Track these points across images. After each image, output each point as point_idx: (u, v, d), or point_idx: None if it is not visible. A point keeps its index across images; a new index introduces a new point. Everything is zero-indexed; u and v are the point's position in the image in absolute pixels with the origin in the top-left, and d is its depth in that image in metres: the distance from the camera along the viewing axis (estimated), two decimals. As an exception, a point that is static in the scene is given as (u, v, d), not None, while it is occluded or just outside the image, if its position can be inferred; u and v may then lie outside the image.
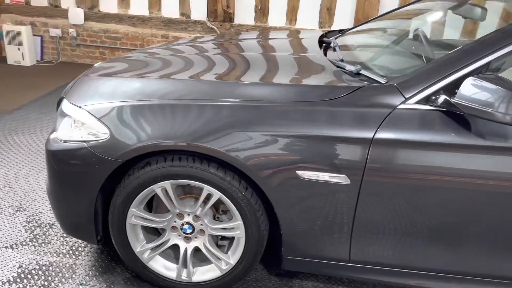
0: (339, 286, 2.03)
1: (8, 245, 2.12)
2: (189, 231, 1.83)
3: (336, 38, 2.46)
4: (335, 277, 2.05)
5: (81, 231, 1.88)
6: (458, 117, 1.54)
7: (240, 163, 1.60)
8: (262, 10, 5.26)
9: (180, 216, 1.81)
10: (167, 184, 1.70)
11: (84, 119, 1.74)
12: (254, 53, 2.21)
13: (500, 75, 1.51)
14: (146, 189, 1.71)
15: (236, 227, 1.75)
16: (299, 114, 1.61)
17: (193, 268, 1.89)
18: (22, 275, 1.94)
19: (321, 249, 1.76)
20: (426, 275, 1.76)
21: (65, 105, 1.83)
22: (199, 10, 5.30)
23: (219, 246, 1.91)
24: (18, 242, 2.14)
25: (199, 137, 1.60)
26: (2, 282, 1.90)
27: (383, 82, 1.65)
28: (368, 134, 1.56)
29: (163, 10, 5.36)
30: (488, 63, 1.54)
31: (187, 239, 1.86)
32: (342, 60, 1.95)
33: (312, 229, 1.71)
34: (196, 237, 1.85)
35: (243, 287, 1.97)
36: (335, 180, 1.60)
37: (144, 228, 1.88)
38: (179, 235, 1.85)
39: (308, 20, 5.16)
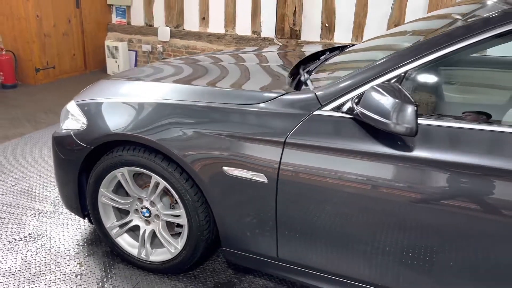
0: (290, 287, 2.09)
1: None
2: (147, 214, 2.08)
3: (323, 53, 2.56)
4: (277, 277, 2.12)
5: (71, 207, 2.26)
6: (364, 125, 1.55)
7: (176, 156, 1.81)
8: (328, 27, 5.36)
9: (141, 200, 2.08)
10: (124, 170, 1.99)
11: (73, 111, 2.13)
12: (236, 63, 2.42)
13: (399, 85, 1.50)
14: (110, 173, 2.02)
15: (181, 215, 1.96)
16: (227, 115, 1.77)
17: (152, 249, 2.13)
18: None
19: (252, 244, 1.87)
20: (358, 286, 1.75)
21: (69, 103, 2.25)
22: (268, 27, 5.61)
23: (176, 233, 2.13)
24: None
25: (141, 129, 1.86)
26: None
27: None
28: (282, 137, 1.66)
29: (237, 28, 5.79)
30: (398, 76, 1.54)
31: (147, 222, 2.12)
32: (308, 72, 2.05)
33: (242, 223, 1.84)
34: (153, 221, 2.10)
35: (200, 274, 2.15)
36: (255, 178, 1.72)
37: (117, 208, 2.19)
38: (140, 218, 2.13)
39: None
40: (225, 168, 1.76)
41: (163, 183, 1.93)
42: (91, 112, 2.05)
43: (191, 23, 6.02)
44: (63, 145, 2.12)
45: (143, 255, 2.13)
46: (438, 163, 1.45)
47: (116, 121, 1.95)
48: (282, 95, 1.74)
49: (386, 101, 1.42)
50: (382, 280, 1.67)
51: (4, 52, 5.27)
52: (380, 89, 1.45)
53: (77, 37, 5.99)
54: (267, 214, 1.77)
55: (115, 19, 6.51)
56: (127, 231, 2.20)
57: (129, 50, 6.34)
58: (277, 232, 1.79)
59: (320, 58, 2.45)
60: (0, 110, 4.54)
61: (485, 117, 1.56)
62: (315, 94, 1.67)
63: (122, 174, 2.01)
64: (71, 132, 2.08)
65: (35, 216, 2.59)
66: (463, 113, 1.61)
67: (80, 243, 2.36)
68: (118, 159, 1.97)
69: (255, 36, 5.70)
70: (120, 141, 1.99)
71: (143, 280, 2.09)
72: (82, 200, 2.21)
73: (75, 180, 2.13)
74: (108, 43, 6.16)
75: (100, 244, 2.35)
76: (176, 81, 2.09)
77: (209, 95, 1.87)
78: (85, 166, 2.13)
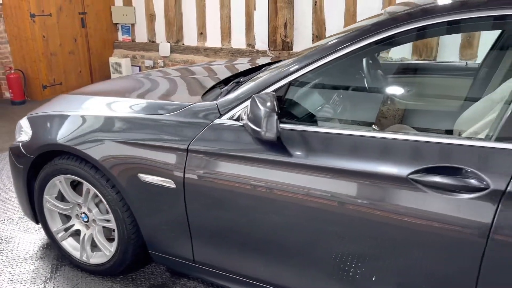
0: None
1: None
2: (86, 219, 2.23)
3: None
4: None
5: (25, 212, 2.44)
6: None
7: (99, 163, 1.95)
8: (319, 38, 5.42)
9: (80, 206, 2.23)
10: (61, 177, 2.15)
11: (24, 125, 2.31)
12: (186, 75, 2.56)
13: (274, 93, 1.57)
14: (50, 181, 2.19)
15: (111, 220, 2.09)
16: (140, 125, 1.90)
17: (93, 252, 2.27)
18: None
19: (171, 247, 1.97)
20: None
21: (23, 118, 2.43)
22: (262, 40, 5.73)
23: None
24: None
25: (71, 139, 2.01)
26: None
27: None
28: (185, 145, 1.76)
29: (232, 42, 5.95)
30: (283, 85, 1.63)
31: (86, 226, 2.26)
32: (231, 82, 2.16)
33: (160, 227, 1.95)
34: (92, 225, 2.24)
35: (137, 276, 2.26)
36: (164, 184, 1.83)
37: (64, 214, 2.35)
38: (81, 222, 2.27)
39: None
40: (140, 174, 1.88)
41: (93, 190, 2.07)
42: (36, 124, 2.23)
43: (190, 38, 6.23)
44: (15, 156, 2.30)
45: (84, 258, 2.27)
46: (309, 166, 1.53)
47: (52, 132, 2.11)
48: (189, 106, 1.85)
49: (259, 111, 1.50)
50: (282, 279, 1.74)
51: (13, 71, 5.64)
52: (256, 100, 1.54)
53: (83, 55, 6.32)
54: (179, 219, 1.86)
55: (121, 36, 6.82)
56: (73, 235, 2.35)
57: (133, 65, 6.63)
58: (191, 236, 1.89)
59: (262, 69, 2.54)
60: (4, 124, 4.87)
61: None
62: (216, 104, 1.77)
63: (60, 181, 2.17)
64: (20, 144, 2.26)
65: (3, 222, 2.79)
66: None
67: (36, 247, 2.53)
68: (56, 168, 2.13)
69: (250, 49, 5.83)
70: (60, 151, 2.15)
71: (83, 282, 2.23)
72: (34, 206, 2.38)
73: (25, 187, 2.31)
74: (112, 59, 6.47)
75: (53, 248, 2.51)
76: (112, 94, 2.23)
77: (128, 107, 2.01)
78: (35, 175, 2.30)
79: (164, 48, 6.32)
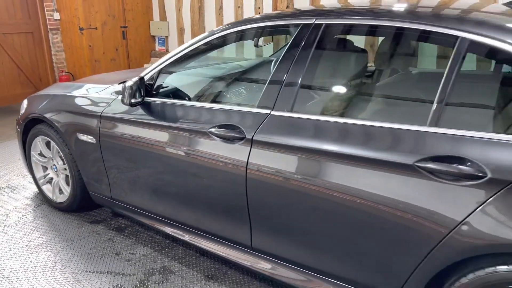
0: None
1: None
2: (56, 170, 3.13)
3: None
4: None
5: (24, 165, 3.41)
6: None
7: (57, 127, 2.84)
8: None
9: (52, 160, 3.14)
10: (39, 138, 3.08)
11: (24, 102, 3.29)
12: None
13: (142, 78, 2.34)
14: (33, 141, 3.13)
15: (67, 169, 2.97)
16: (82, 100, 2.76)
17: (60, 194, 3.16)
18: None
19: (98, 187, 2.80)
20: (179, 227, 2.47)
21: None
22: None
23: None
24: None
25: (44, 111, 2.93)
26: None
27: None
28: (99, 112, 2.59)
29: (244, 52, 6.76)
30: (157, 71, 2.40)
31: (56, 175, 3.16)
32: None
33: (91, 172, 2.78)
34: (59, 174, 3.14)
35: (89, 213, 3.10)
36: (90, 140, 2.67)
37: (44, 166, 3.28)
38: (53, 172, 3.18)
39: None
40: (78, 134, 2.74)
41: (56, 147, 2.97)
42: (29, 101, 3.19)
43: (211, 48, 7.14)
44: (17, 123, 3.29)
45: (54, 198, 3.18)
46: (161, 126, 2.29)
47: (36, 106, 3.05)
48: (106, 87, 2.68)
49: (124, 88, 2.30)
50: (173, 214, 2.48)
51: (64, 73, 6.94)
52: (126, 82, 2.32)
53: (123, 62, 7.50)
54: (99, 165, 2.69)
55: (157, 47, 7.94)
56: (49, 182, 3.26)
57: (164, 72, 7.69)
58: (108, 178, 2.70)
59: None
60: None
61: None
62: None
63: (39, 141, 3.11)
64: (19, 115, 3.24)
65: (17, 177, 3.82)
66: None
67: (32, 193, 3.49)
68: (36, 131, 3.07)
69: (257, 58, 6.60)
70: (39, 120, 3.09)
71: (52, 214, 3.13)
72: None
73: (21, 146, 3.28)
74: (146, 65, 7.58)
75: (39, 194, 3.45)
76: (90, 82, 3.12)
77: (85, 89, 2.88)
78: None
79: (189, 57, 7.30)
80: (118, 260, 2.57)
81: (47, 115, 2.90)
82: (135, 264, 2.52)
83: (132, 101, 2.30)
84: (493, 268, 1.43)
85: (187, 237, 2.39)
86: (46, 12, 6.76)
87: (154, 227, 2.58)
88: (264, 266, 2.09)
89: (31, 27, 6.77)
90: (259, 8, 6.32)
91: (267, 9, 6.16)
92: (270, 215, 1.97)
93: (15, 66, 6.71)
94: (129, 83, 2.30)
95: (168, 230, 2.48)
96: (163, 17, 7.63)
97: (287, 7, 5.91)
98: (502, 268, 1.42)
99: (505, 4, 2.00)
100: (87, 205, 3.07)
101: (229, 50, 2.43)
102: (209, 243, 2.29)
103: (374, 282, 1.74)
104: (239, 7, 6.58)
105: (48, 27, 6.84)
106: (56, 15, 6.79)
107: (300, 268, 1.96)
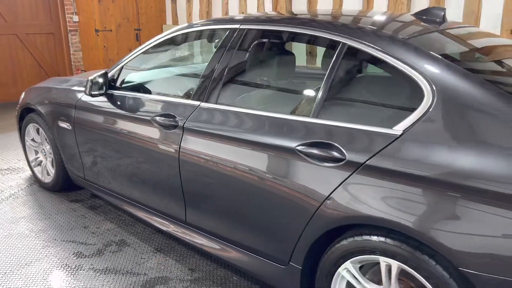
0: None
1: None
2: (45, 153, 3.54)
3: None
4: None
5: (23, 150, 3.85)
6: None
7: (43, 115, 3.25)
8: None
9: (42, 144, 3.56)
10: (31, 125, 3.50)
11: (23, 93, 3.73)
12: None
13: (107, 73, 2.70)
14: (27, 128, 3.55)
15: (52, 152, 3.37)
16: (63, 91, 3.16)
17: (48, 175, 3.57)
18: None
19: (74, 169, 3.18)
20: (133, 204, 2.83)
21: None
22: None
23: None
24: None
25: (33, 101, 3.35)
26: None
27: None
28: (74, 102, 2.97)
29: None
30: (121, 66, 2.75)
31: (45, 158, 3.57)
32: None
33: (69, 155, 3.17)
34: (47, 157, 3.54)
35: (70, 193, 3.49)
36: (67, 127, 3.05)
37: (35, 150, 3.70)
38: (43, 155, 3.59)
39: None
40: (58, 121, 3.13)
41: (43, 133, 3.38)
42: (26, 92, 3.62)
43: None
44: (16, 111, 3.74)
45: (42, 178, 3.59)
46: (116, 114, 2.65)
47: (30, 97, 3.48)
48: (82, 81, 3.06)
49: (86, 81, 2.66)
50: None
51: (80, 71, 7.47)
52: (89, 77, 2.69)
53: (136, 62, 7.99)
54: (74, 148, 3.07)
55: (170, 49, 8.38)
56: (40, 164, 3.68)
57: (174, 72, 8.12)
58: (82, 161, 3.07)
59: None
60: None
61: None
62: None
63: (31, 128, 3.53)
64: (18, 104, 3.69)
65: (20, 161, 4.27)
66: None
67: (28, 175, 3.93)
68: (28, 119, 3.50)
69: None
70: (31, 109, 3.51)
71: (39, 193, 3.54)
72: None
73: (19, 132, 3.72)
74: (157, 67, 8.04)
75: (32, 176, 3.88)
76: (80, 77, 3.53)
77: (70, 82, 3.28)
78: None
79: (197, 59, 7.70)
80: (85, 232, 2.93)
81: (37, 105, 3.32)
82: (98, 236, 2.88)
83: (92, 92, 2.67)
84: (360, 237, 1.67)
85: (139, 214, 2.73)
86: (66, 15, 7.31)
87: (114, 205, 2.93)
88: (194, 238, 2.39)
89: (52, 28, 7.33)
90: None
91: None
92: (197, 193, 2.27)
93: (37, 63, 7.30)
94: (90, 77, 2.66)
95: (125, 207, 2.82)
96: (175, 21, 8.07)
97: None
98: (365, 237, 1.65)
99: (413, 14, 2.23)
100: (69, 186, 3.46)
101: (185, 49, 2.75)
102: (155, 219, 2.62)
103: (270, 249, 2.01)
104: (243, 12, 6.93)
105: (68, 28, 7.38)
106: (75, 18, 7.33)
107: (217, 238, 2.26)
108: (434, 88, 1.58)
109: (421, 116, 1.58)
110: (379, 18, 2.17)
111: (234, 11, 6.96)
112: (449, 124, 1.53)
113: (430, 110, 1.57)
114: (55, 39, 7.41)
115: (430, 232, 1.46)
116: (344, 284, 1.80)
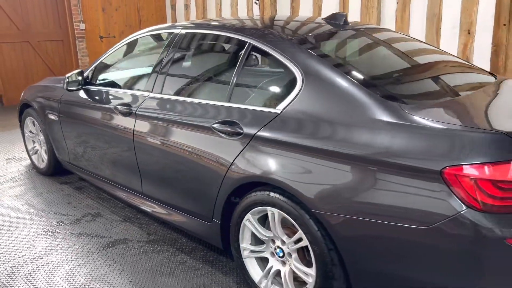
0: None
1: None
2: (40, 143, 4.10)
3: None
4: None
5: (24, 141, 4.43)
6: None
7: (37, 110, 3.81)
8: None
9: (37, 135, 4.12)
10: (28, 119, 4.06)
11: (23, 91, 4.32)
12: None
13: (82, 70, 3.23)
14: (25, 121, 4.13)
15: (41, 142, 3.93)
16: (51, 89, 3.71)
17: (43, 162, 4.13)
18: (14, 159, 4.64)
19: (62, 154, 3.72)
20: (104, 181, 3.37)
21: (29, 88, 4.46)
22: None
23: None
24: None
25: (30, 98, 3.92)
26: (7, 160, 4.64)
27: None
28: (59, 98, 3.52)
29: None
30: (96, 65, 3.28)
31: (41, 146, 4.13)
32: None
33: (57, 142, 3.71)
34: (42, 146, 4.10)
35: (61, 177, 4.04)
36: (54, 118, 3.60)
37: (33, 140, 4.26)
38: (39, 144, 4.15)
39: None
40: (47, 113, 3.69)
41: (37, 125, 3.94)
42: (26, 90, 4.20)
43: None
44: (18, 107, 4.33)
45: (38, 164, 4.16)
46: (92, 106, 3.16)
47: (27, 94, 4.06)
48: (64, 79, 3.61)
49: (65, 77, 3.20)
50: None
51: (87, 75, 8.12)
52: (68, 74, 3.22)
53: (138, 66, 8.59)
54: (61, 137, 3.61)
55: (170, 53, 8.96)
56: (36, 153, 4.24)
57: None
58: (67, 147, 3.61)
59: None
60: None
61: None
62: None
63: (28, 121, 4.10)
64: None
65: (23, 151, 4.86)
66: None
67: (27, 163, 4.50)
68: (26, 113, 4.07)
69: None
70: (28, 104, 4.08)
71: (36, 177, 4.10)
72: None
73: (20, 125, 4.31)
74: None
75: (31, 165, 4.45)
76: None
77: (62, 80, 3.84)
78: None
79: (194, 62, 8.24)
80: (68, 207, 3.46)
81: (32, 101, 3.88)
82: (78, 210, 3.40)
83: (68, 88, 3.22)
84: (255, 193, 2.14)
85: (109, 189, 3.24)
86: (74, 23, 7.97)
87: (93, 184, 3.46)
88: (149, 206, 2.88)
89: (61, 36, 8.01)
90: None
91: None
92: (149, 167, 2.76)
93: (47, 68, 7.98)
94: (68, 74, 3.20)
95: (99, 184, 3.35)
96: (175, 27, 8.63)
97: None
98: (257, 193, 2.11)
99: (323, 19, 2.68)
100: (59, 170, 4.01)
101: (144, 49, 3.25)
102: (120, 193, 3.12)
103: (199, 209, 2.48)
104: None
105: (76, 35, 8.04)
106: (82, 26, 7.98)
107: (164, 204, 2.75)
108: (303, 76, 2.04)
109: (294, 98, 2.04)
110: (291, 22, 2.64)
111: (227, 17, 7.48)
112: (313, 103, 1.98)
113: (299, 93, 2.02)
114: (64, 45, 8.07)
115: (293, 184, 1.92)
116: (249, 234, 2.26)
